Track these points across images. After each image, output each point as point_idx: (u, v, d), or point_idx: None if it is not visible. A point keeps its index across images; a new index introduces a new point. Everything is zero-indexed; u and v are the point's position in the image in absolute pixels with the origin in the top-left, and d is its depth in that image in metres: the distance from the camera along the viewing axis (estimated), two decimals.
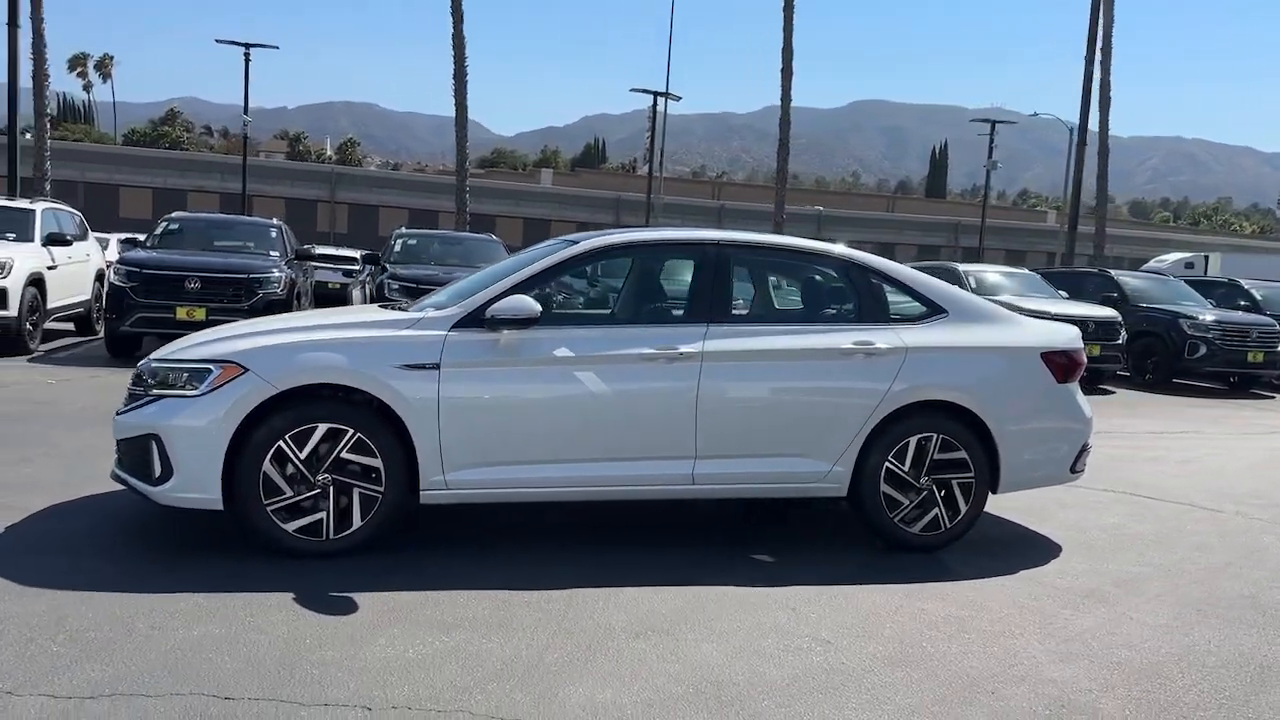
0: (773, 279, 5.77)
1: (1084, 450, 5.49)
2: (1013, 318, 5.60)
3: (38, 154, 31.10)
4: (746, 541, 5.20)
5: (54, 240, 12.24)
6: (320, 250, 19.60)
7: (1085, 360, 5.65)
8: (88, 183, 44.47)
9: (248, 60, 32.18)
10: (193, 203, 44.27)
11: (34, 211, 12.46)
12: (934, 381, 5.12)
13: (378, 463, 4.46)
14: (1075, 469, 5.49)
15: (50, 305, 12.04)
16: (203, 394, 4.35)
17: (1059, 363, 5.38)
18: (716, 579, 4.48)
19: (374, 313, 5.14)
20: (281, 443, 4.36)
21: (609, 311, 5.32)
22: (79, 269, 13.08)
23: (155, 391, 4.45)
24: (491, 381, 4.62)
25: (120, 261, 11.92)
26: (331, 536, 4.44)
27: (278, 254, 12.83)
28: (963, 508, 5.17)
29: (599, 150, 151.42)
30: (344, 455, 4.43)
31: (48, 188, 30.87)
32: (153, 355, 4.72)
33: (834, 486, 5.05)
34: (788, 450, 4.97)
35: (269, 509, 4.36)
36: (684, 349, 4.80)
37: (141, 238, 13.99)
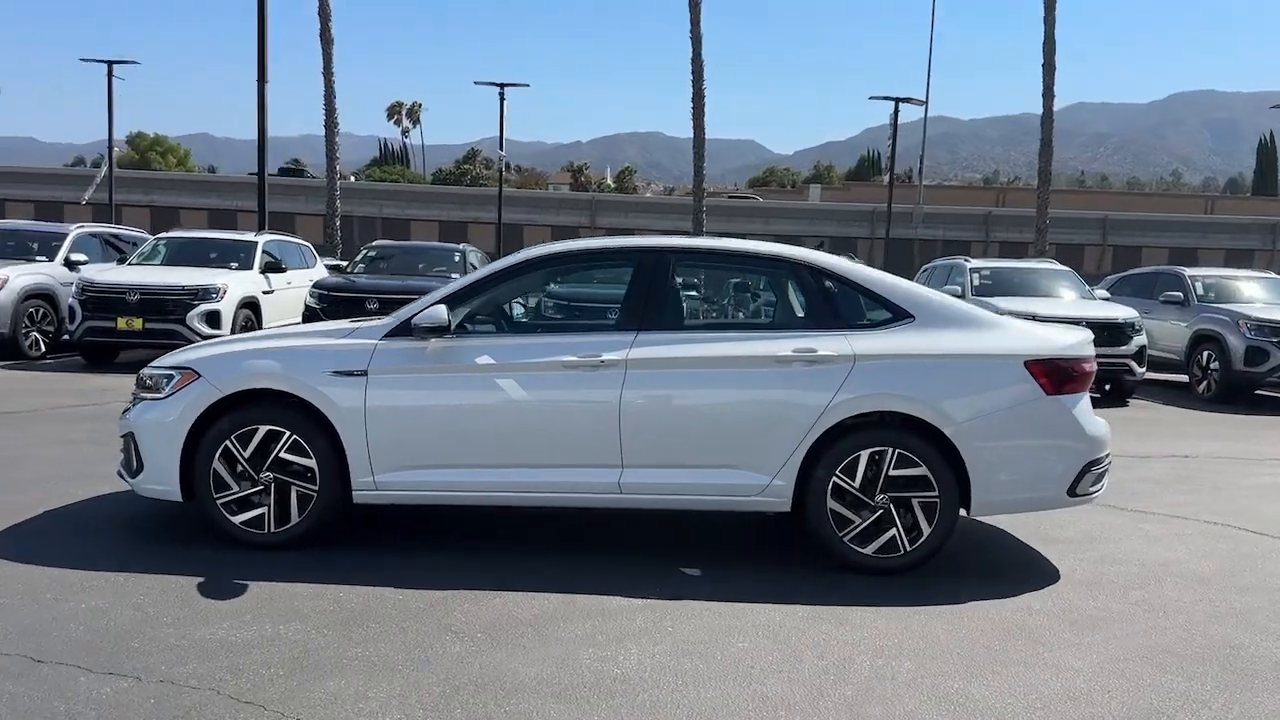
0: (729, 285, 5.59)
1: (1087, 471, 4.87)
2: (997, 322, 5.07)
3: (329, 193, 35.14)
4: (687, 554, 5.07)
5: (271, 268, 13.79)
6: None
7: (1092, 369, 5.01)
8: (384, 218, 49.56)
9: (502, 100, 34.77)
10: (472, 233, 47.95)
11: (256, 244, 14.22)
12: (885, 391, 4.77)
13: (313, 463, 4.81)
14: (1076, 492, 4.87)
15: (264, 327, 13.63)
16: (165, 397, 4.90)
17: (1049, 372, 4.82)
18: (611, 589, 4.42)
19: (336, 324, 5.52)
20: (229, 442, 4.81)
21: (548, 320, 5.38)
22: (296, 294, 14.72)
23: (139, 394, 5.07)
24: (416, 388, 4.84)
25: (315, 285, 13.38)
26: (272, 530, 4.84)
27: (458, 275, 13.85)
28: (925, 530, 4.75)
29: (873, 162, 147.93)
30: (283, 455, 4.82)
31: (338, 223, 34.97)
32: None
33: (775, 501, 4.82)
34: (720, 462, 4.81)
35: (219, 502, 4.83)
36: (607, 356, 4.79)
37: (345, 264, 15.53)
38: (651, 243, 5.19)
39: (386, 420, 4.80)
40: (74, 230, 14.79)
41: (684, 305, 5.17)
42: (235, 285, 12.88)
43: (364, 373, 4.81)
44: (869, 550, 4.77)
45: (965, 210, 54.40)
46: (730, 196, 76.70)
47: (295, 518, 4.84)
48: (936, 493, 4.74)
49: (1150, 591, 4.72)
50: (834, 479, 4.75)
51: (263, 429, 4.81)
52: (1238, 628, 4.24)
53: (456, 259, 14.54)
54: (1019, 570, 5.03)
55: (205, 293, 12.45)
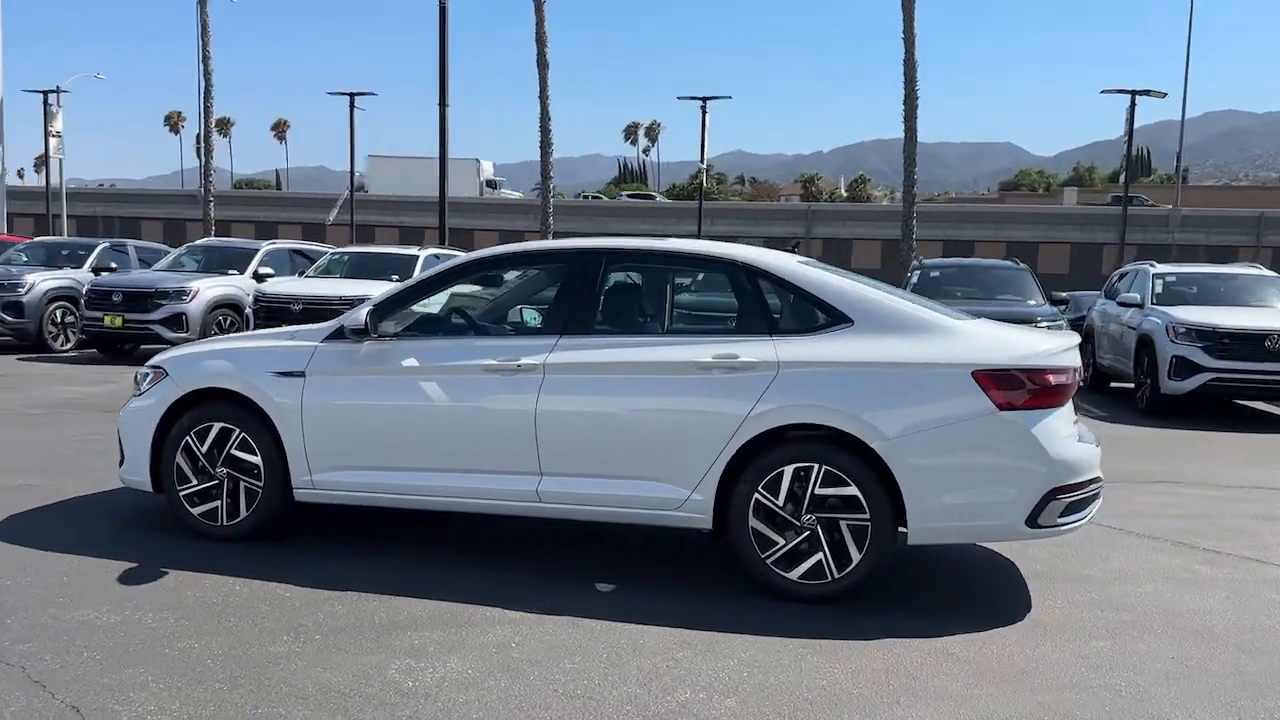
0: (664, 287, 5.27)
1: (1052, 499, 4.22)
2: (951, 328, 4.50)
3: (543, 211, 36.74)
4: (613, 568, 4.83)
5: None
6: None
7: (1065, 381, 4.34)
8: (599, 234, 51.14)
9: (704, 111, 34.95)
10: None
11: (418, 258, 15.02)
12: (809, 402, 4.35)
13: (259, 460, 5.00)
14: (1040, 523, 4.24)
15: None
16: (142, 393, 5.26)
17: (1002, 383, 4.23)
18: (496, 599, 4.28)
19: (300, 328, 5.68)
20: (189, 438, 5.09)
21: (483, 324, 5.27)
22: None
23: (132, 390, 5.48)
24: (348, 389, 4.92)
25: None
26: (224, 523, 5.06)
27: None
28: (854, 556, 4.29)
29: (1143, 161, 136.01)
30: (234, 452, 5.04)
31: (550, 236, 36.46)
32: None
33: (695, 517, 4.51)
34: (639, 473, 4.56)
35: (180, 494, 5.11)
36: (525, 361, 4.66)
37: None
38: (583, 244, 5.02)
39: (320, 420, 4.91)
40: (264, 246, 16.29)
41: (612, 308, 4.93)
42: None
43: (302, 374, 4.95)
44: (794, 575, 4.37)
45: (1233, 213, 49.07)
46: (968, 201, 73.16)
47: (244, 512, 5.04)
48: (867, 515, 4.27)
49: (1119, 643, 4.01)
50: (756, 496, 4.38)
51: (217, 426, 5.05)
52: (1189, 704, 3.52)
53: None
54: (981, 605, 4.44)
55: (359, 302, 13.32)
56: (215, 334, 14.32)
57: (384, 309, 4.96)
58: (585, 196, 65.86)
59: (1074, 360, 4.46)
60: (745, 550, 4.42)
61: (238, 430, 5.02)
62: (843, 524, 4.30)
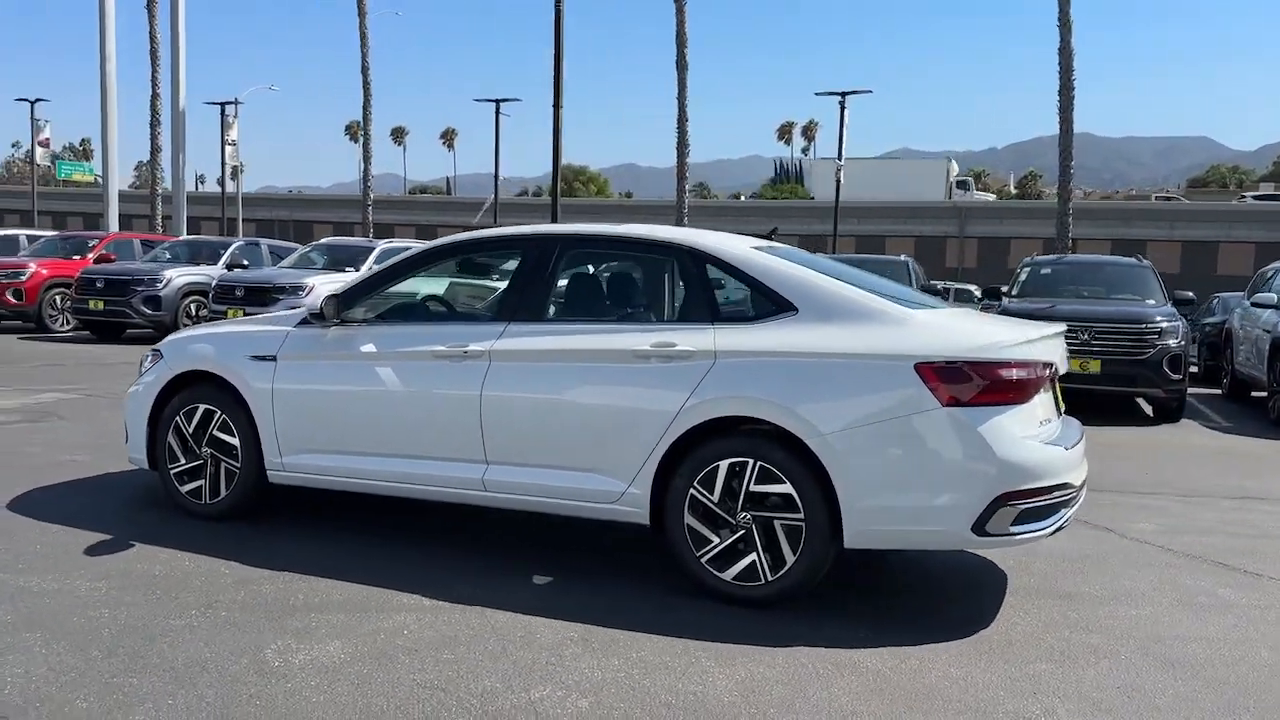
0: (616, 274, 5.07)
1: (1002, 505, 3.83)
2: (903, 318, 4.14)
3: (678, 213, 36.75)
4: (561, 561, 4.70)
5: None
6: (942, 285, 20.85)
7: (1025, 376, 3.93)
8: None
9: (843, 108, 34.09)
10: (841, 245, 47.26)
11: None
12: (744, 394, 4.11)
13: (236, 442, 5.15)
14: (988, 530, 3.85)
15: None
16: (144, 374, 5.50)
17: (947, 377, 3.87)
18: (427, 588, 4.22)
19: (282, 313, 5.75)
20: (178, 418, 5.28)
21: (439, 311, 5.23)
22: None
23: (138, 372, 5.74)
24: (313, 373, 4.98)
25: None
26: (207, 501, 5.23)
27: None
28: (788, 558, 4.02)
29: None
30: (215, 433, 5.20)
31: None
32: None
33: (633, 511, 4.33)
34: (579, 464, 4.42)
35: (171, 472, 5.31)
36: (472, 347, 4.61)
37: None
38: (536, 230, 4.91)
39: (289, 403, 5.00)
40: (380, 245, 16.94)
41: (562, 295, 4.80)
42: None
43: (274, 358, 5.06)
44: (727, 575, 4.13)
45: None
46: (1140, 198, 68.67)
47: (223, 491, 5.20)
48: (802, 516, 3.99)
49: (1065, 668, 3.58)
50: (692, 491, 4.17)
51: (201, 408, 5.22)
52: None
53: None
54: (938, 618, 4.09)
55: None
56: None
57: (347, 296, 5.00)
58: (736, 196, 65.56)
59: (1040, 354, 4.04)
60: (680, 548, 4.22)
61: (219, 412, 5.18)
62: (777, 524, 4.04)
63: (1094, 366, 10.42)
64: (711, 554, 4.15)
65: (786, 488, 4.01)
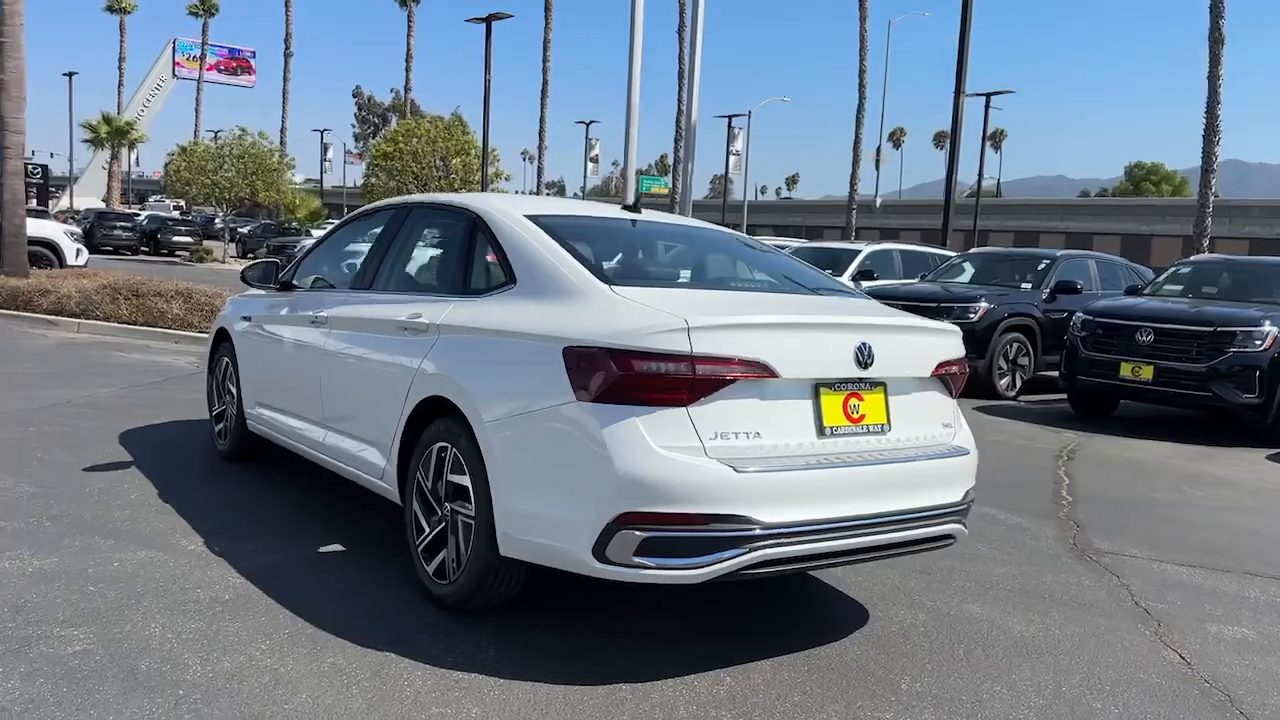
0: (436, 241, 4.62)
1: (623, 529, 2.98)
2: (597, 293, 3.39)
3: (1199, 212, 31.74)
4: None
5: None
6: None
7: (662, 371, 2.99)
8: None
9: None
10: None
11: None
12: (441, 372, 3.72)
13: (235, 390, 5.78)
14: (609, 557, 3.03)
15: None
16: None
17: (591, 365, 3.12)
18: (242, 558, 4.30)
19: None
20: (215, 369, 6.08)
21: (335, 280, 5.21)
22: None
23: None
24: (262, 335, 5.42)
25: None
26: (220, 444, 5.94)
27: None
28: (462, 558, 3.56)
29: None
30: (226, 383, 5.89)
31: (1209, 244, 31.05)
32: None
33: (391, 490, 4.09)
34: (363, 435, 4.31)
35: (212, 415, 6.12)
36: (320, 314, 4.76)
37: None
38: (391, 200, 4.84)
39: (247, 359, 5.52)
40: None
41: (389, 263, 4.52)
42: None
43: (249, 319, 5.60)
44: (430, 569, 3.75)
45: None
46: None
47: (229, 436, 5.87)
48: (473, 512, 3.49)
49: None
50: (418, 475, 3.85)
51: (224, 361, 5.96)
52: None
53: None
54: (770, 633, 3.31)
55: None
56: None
57: (304, 264, 5.38)
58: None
59: (733, 348, 3.05)
60: (408, 533, 3.91)
61: (228, 364, 5.87)
62: (459, 519, 3.59)
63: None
64: (423, 544, 3.80)
65: (465, 480, 3.54)
